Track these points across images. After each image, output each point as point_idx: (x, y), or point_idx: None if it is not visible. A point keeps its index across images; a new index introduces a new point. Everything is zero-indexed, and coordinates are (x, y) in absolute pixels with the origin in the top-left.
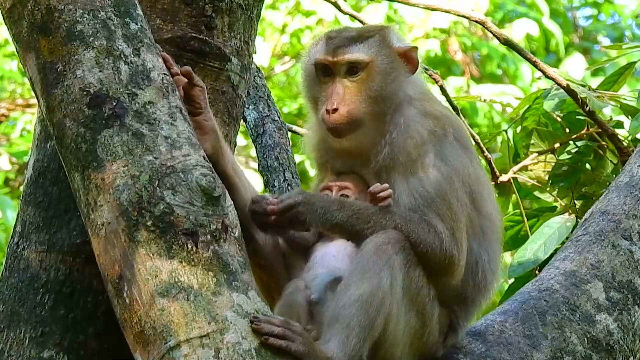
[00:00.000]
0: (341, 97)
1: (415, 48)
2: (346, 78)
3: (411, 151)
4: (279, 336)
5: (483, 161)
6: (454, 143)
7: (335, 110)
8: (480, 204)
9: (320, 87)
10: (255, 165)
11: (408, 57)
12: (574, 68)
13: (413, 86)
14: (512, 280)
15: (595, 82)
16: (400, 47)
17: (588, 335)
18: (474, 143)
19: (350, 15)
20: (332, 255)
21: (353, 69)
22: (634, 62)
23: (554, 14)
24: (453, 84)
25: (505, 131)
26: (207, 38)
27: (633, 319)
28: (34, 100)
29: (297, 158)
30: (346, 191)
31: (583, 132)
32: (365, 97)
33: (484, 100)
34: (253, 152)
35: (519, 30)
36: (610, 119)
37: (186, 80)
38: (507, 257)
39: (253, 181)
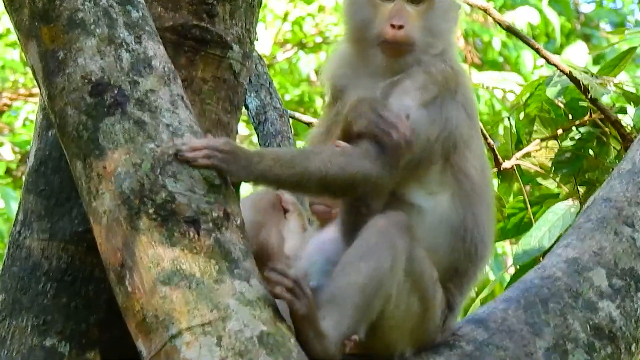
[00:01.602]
0: (406, 18)
1: (460, 6)
2: (409, 4)
3: (418, 83)
4: (287, 288)
5: (486, 150)
6: (458, 104)
7: (401, 27)
8: (464, 163)
9: (375, 9)
10: None
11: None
12: (577, 56)
13: (454, 37)
14: (512, 270)
15: (597, 69)
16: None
17: (591, 323)
18: None
19: None
20: (327, 241)
21: None
22: (635, 48)
23: (554, 1)
24: None
25: (508, 118)
26: (208, 26)
27: (636, 306)
28: (36, 90)
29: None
30: None
31: (586, 118)
32: (423, 26)
33: (486, 88)
34: (255, 140)
35: (520, 18)
36: (613, 105)
37: None
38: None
39: None
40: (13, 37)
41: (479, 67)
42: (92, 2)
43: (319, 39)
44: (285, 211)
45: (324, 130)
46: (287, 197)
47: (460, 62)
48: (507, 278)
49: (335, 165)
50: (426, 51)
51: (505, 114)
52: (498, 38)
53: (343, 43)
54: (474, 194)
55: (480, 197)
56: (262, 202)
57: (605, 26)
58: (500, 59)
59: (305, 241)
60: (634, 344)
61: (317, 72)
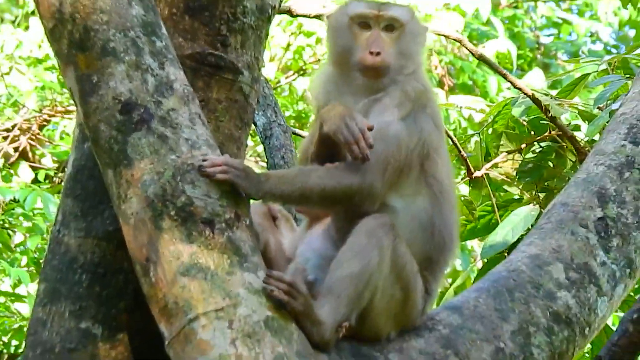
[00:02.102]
0: (382, 45)
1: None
2: (384, 32)
3: (395, 100)
4: (284, 291)
5: (459, 160)
6: (428, 116)
7: (379, 53)
8: (434, 168)
9: (354, 37)
10: (262, 163)
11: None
12: (535, 81)
13: (422, 58)
14: (480, 264)
15: (553, 93)
16: (424, 25)
17: (550, 310)
18: (451, 143)
19: None
20: (318, 240)
21: (391, 26)
22: (588, 74)
23: (512, 36)
24: None
25: (479, 133)
26: (222, 54)
27: (589, 296)
28: (71, 108)
29: None
30: None
31: (546, 134)
32: (397, 51)
33: (460, 108)
34: (258, 149)
35: (490, 49)
36: (569, 123)
37: None
38: (477, 244)
39: None
40: (51, 61)
41: (452, 90)
42: (122, 34)
43: (316, 67)
44: (274, 218)
45: (310, 140)
46: (274, 205)
47: (428, 80)
48: (476, 271)
49: (331, 179)
50: (400, 72)
51: (471, 131)
52: (469, 64)
53: (327, 65)
54: (441, 195)
55: (446, 197)
56: (257, 213)
57: (562, 56)
58: (470, 82)
59: (298, 241)
60: (587, 328)
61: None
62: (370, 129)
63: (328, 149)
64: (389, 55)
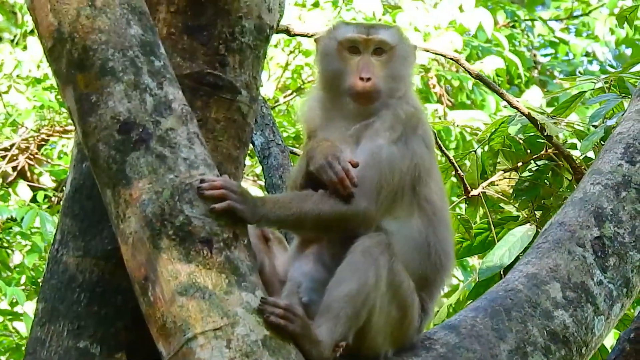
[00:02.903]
0: (372, 70)
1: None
2: (373, 56)
3: (387, 124)
4: (280, 316)
5: (456, 179)
6: (419, 138)
7: (369, 79)
8: (426, 191)
9: (344, 62)
10: (260, 182)
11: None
12: (533, 98)
13: (413, 78)
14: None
15: (550, 111)
16: (414, 45)
17: (547, 329)
18: (446, 160)
19: None
20: (310, 263)
21: (380, 49)
22: (584, 92)
23: (514, 53)
24: (430, 107)
25: (475, 151)
26: (220, 74)
27: (586, 315)
28: (69, 127)
29: None
30: None
31: (542, 153)
32: (387, 75)
33: (457, 126)
34: (257, 170)
35: (488, 66)
36: (565, 142)
37: None
38: (477, 261)
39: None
40: (50, 81)
41: (450, 108)
42: (121, 53)
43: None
44: (267, 239)
45: (299, 170)
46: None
47: (418, 100)
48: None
49: (326, 205)
50: (392, 95)
51: (475, 144)
52: (469, 82)
53: (316, 88)
54: (434, 217)
55: (440, 217)
56: (251, 234)
57: (559, 75)
58: (468, 102)
59: (291, 263)
60: (584, 347)
61: None
62: (355, 166)
63: (315, 182)
64: (379, 80)
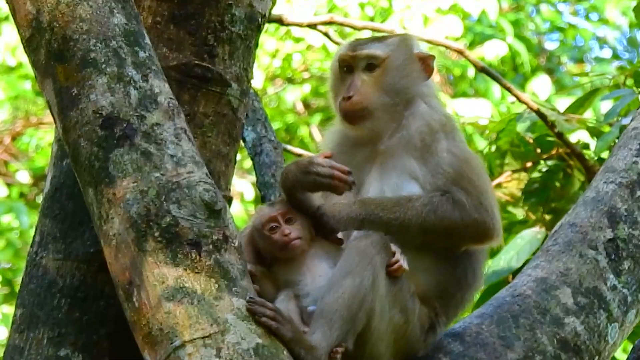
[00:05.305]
0: (357, 87)
1: (433, 57)
2: (365, 73)
3: (425, 137)
4: (270, 317)
5: None
6: (461, 139)
7: (350, 97)
8: None
9: (342, 82)
10: (250, 178)
11: (425, 63)
12: (540, 87)
13: (426, 87)
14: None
15: (559, 101)
16: (420, 52)
17: (557, 337)
18: None
19: (338, 43)
20: (321, 264)
21: (371, 64)
22: (598, 89)
23: (519, 38)
24: None
25: (482, 151)
26: (209, 65)
27: (598, 322)
28: (46, 119)
29: None
30: (291, 215)
31: (553, 152)
32: (379, 89)
33: (462, 124)
34: (245, 165)
35: (490, 52)
36: (578, 142)
37: None
38: None
39: (247, 193)
40: (25, 70)
41: (452, 97)
42: (103, 44)
43: (306, 75)
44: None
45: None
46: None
47: (436, 104)
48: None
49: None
50: (390, 109)
51: (477, 137)
52: (471, 69)
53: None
54: None
55: None
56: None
57: (567, 61)
58: (471, 91)
59: (300, 265)
60: (597, 357)
61: (303, 103)
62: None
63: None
64: (366, 96)
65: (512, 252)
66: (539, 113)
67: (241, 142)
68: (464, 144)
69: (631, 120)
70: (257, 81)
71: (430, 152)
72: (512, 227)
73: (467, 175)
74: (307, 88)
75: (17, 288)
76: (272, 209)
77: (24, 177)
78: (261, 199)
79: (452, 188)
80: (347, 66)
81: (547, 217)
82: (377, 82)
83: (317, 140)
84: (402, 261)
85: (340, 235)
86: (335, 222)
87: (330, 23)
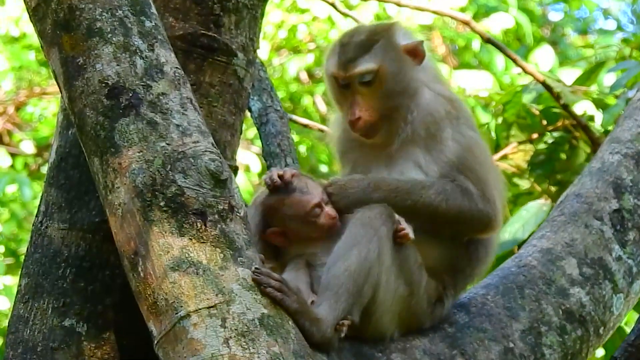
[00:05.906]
0: (361, 106)
1: (421, 42)
2: (362, 87)
3: (430, 127)
4: (276, 288)
5: None
6: (466, 123)
7: (358, 119)
8: None
9: (342, 94)
10: (254, 149)
11: (414, 52)
12: (544, 58)
13: (424, 72)
14: None
15: (563, 72)
16: (405, 45)
17: (563, 307)
18: None
19: (344, 14)
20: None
21: (365, 78)
22: (604, 62)
23: (522, 10)
24: None
25: (487, 124)
26: (215, 35)
27: (603, 293)
28: (50, 89)
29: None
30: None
31: (559, 124)
32: (381, 99)
33: (467, 96)
34: (249, 135)
35: (496, 24)
36: (584, 113)
37: None
38: None
39: (252, 164)
40: (29, 40)
41: (456, 69)
42: (109, 13)
43: (312, 45)
44: None
45: None
46: None
47: (437, 69)
48: None
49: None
50: (395, 111)
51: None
52: (476, 41)
53: (338, 112)
54: None
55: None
56: None
57: (571, 33)
58: (475, 62)
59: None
60: (602, 327)
61: (307, 72)
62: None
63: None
64: (371, 113)
65: (518, 223)
66: (545, 85)
67: (247, 112)
68: (469, 127)
69: (637, 91)
70: (263, 52)
71: (435, 140)
72: (518, 199)
73: (469, 164)
74: (310, 58)
75: (21, 258)
76: (311, 195)
77: (28, 147)
78: (267, 169)
79: (459, 177)
80: (342, 84)
81: (553, 188)
82: (377, 94)
83: (321, 110)
84: (408, 229)
85: None
86: (344, 204)
87: None
